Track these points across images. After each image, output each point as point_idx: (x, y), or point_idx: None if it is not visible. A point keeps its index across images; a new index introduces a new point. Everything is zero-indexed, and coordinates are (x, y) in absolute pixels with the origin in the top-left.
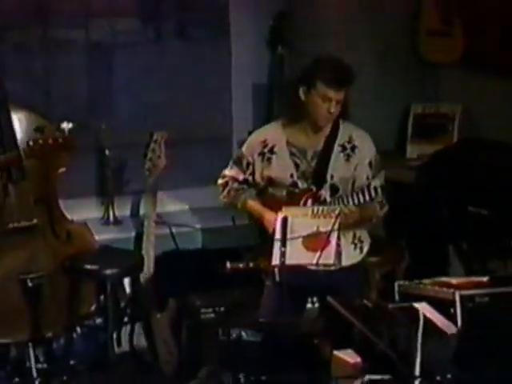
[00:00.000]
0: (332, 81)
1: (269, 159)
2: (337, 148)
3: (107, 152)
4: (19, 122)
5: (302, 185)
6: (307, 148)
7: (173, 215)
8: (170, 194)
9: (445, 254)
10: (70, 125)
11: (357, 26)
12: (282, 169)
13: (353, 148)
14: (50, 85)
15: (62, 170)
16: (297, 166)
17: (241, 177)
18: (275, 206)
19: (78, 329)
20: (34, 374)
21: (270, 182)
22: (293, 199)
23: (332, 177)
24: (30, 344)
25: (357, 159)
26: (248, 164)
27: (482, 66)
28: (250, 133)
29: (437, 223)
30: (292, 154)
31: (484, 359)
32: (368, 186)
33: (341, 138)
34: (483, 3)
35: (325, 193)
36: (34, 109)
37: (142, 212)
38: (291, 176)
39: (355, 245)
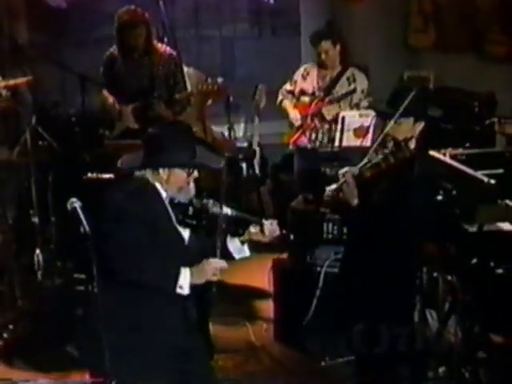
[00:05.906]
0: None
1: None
2: (343, 78)
3: (231, 98)
4: (188, 76)
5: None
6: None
7: (265, 135)
8: (265, 123)
9: None
10: (222, 79)
11: (371, 29)
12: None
13: (354, 79)
14: (200, 61)
15: (209, 103)
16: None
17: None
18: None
19: None
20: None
21: (303, 93)
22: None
23: (337, 92)
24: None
25: (354, 85)
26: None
27: (445, 49)
28: None
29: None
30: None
31: None
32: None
33: (346, 74)
34: (446, 15)
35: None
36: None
37: (248, 133)
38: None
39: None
